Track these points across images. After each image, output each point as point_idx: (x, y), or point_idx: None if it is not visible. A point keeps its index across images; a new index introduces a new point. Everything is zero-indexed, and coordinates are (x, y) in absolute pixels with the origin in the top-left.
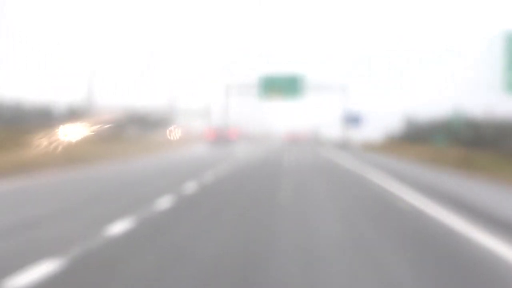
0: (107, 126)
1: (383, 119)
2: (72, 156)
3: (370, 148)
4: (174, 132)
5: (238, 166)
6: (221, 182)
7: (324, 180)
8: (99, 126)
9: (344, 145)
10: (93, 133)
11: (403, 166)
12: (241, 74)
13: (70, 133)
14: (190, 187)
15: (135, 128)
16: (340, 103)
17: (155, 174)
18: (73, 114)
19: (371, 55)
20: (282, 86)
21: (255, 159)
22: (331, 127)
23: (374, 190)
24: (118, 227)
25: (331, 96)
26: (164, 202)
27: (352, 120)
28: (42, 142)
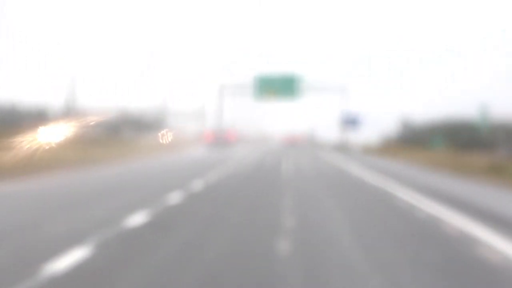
0: (93, 127)
1: (382, 120)
2: (43, 162)
3: (371, 151)
4: (165, 136)
5: (224, 187)
6: (199, 204)
7: (335, 198)
8: (84, 128)
9: (343, 148)
10: (76, 135)
11: (431, 178)
12: (239, 75)
13: (51, 136)
14: (137, 220)
15: (130, 130)
16: (339, 104)
17: (115, 190)
18: (66, 115)
19: (370, 56)
20: (278, 87)
21: (251, 165)
22: (328, 129)
23: (412, 218)
24: None
25: (330, 97)
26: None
27: (351, 122)
28: (22, 145)
